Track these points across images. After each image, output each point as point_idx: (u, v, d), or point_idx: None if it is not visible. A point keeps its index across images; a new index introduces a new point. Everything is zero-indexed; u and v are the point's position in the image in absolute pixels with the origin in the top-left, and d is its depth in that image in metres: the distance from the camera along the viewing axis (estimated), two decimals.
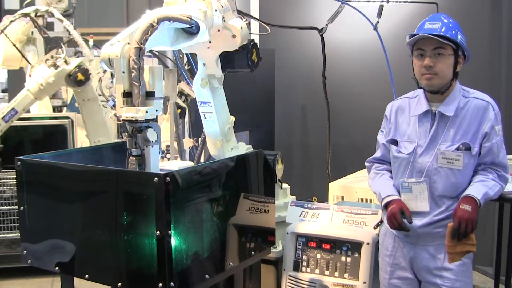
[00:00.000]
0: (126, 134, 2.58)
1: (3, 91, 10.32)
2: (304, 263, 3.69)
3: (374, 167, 3.38)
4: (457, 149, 3.00)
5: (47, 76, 4.91)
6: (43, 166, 2.79)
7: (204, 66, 3.29)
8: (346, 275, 3.56)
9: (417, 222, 3.06)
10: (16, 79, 5.89)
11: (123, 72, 2.51)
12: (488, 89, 5.15)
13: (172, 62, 6.40)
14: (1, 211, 5.49)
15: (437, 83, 3.03)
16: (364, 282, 3.50)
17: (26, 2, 5.86)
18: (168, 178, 2.33)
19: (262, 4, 7.11)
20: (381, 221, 3.48)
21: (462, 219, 2.85)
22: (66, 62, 4.99)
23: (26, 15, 5.26)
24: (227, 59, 3.34)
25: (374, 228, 3.59)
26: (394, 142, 3.21)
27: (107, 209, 2.55)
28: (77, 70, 4.99)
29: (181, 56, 5.49)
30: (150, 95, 2.58)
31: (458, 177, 3.02)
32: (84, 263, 2.66)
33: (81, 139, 5.85)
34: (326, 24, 5.24)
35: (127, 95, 2.52)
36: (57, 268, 2.72)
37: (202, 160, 4.86)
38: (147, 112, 2.51)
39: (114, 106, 2.64)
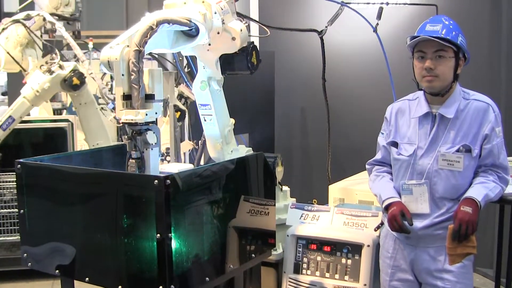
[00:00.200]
0: (126, 136, 2.58)
1: (3, 94, 10.32)
2: (305, 266, 3.69)
3: (375, 169, 3.38)
4: (458, 151, 3.00)
5: (42, 82, 4.91)
6: (43, 169, 2.79)
7: (204, 68, 3.29)
8: (346, 278, 3.55)
9: (418, 224, 3.06)
10: (16, 82, 5.88)
11: (123, 75, 2.51)
12: (488, 90, 5.15)
13: (171, 64, 6.40)
14: (1, 214, 5.48)
15: (438, 85, 3.02)
16: (365, 285, 3.50)
17: (20, 6, 5.86)
18: (168, 181, 2.33)
19: (261, 6, 7.11)
20: (382, 223, 3.48)
21: (462, 221, 2.85)
22: (60, 67, 4.99)
23: (16, 21, 5.26)
24: (226, 62, 3.34)
25: (375, 230, 3.58)
26: (395, 144, 3.20)
27: (107, 211, 2.55)
28: (72, 74, 5.00)
29: (180, 58, 5.49)
30: (149, 97, 2.58)
31: (459, 179, 3.02)
32: (84, 266, 2.65)
33: (81, 142, 5.85)
34: (326, 26, 5.24)
35: (127, 97, 2.52)
36: (57, 271, 2.72)
37: (202, 162, 4.87)
38: (146, 114, 2.51)
39: (114, 109, 2.64)
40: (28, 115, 5.63)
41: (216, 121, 3.35)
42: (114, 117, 2.58)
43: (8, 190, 5.49)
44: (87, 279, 2.61)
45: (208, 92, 3.28)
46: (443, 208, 3.05)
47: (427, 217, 3.06)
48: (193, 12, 2.89)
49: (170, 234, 2.35)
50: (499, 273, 4.40)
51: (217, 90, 3.31)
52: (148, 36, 2.53)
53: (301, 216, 3.87)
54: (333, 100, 5.61)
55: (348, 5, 5.32)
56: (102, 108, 6.60)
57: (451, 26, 3.01)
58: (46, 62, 5.10)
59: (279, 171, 4.16)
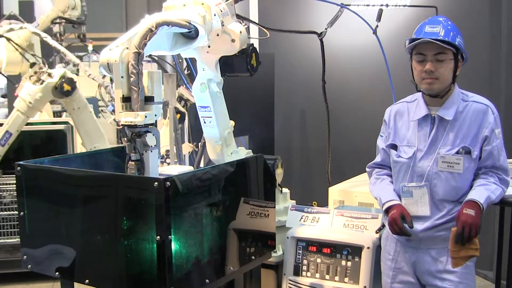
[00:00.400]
0: (125, 139, 2.58)
1: (3, 96, 10.34)
2: (305, 268, 3.68)
3: (375, 172, 3.37)
4: (457, 152, 3.00)
5: (33, 93, 4.92)
6: (43, 171, 2.79)
7: (204, 70, 3.29)
8: (346, 280, 3.55)
9: (419, 226, 3.05)
10: (17, 81, 5.89)
11: (122, 77, 2.51)
12: (488, 91, 5.17)
13: (171, 66, 6.40)
14: (1, 216, 5.48)
15: (438, 88, 3.02)
16: (365, 286, 3.49)
17: (7, 14, 5.87)
18: (168, 183, 2.33)
19: (261, 8, 7.11)
20: (383, 226, 3.48)
21: (465, 224, 2.84)
22: (49, 75, 4.98)
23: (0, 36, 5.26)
24: (226, 64, 3.35)
25: (376, 233, 3.58)
26: (394, 146, 3.20)
27: (107, 214, 2.55)
28: (62, 81, 5.00)
29: (180, 60, 5.49)
30: (149, 99, 2.59)
31: (459, 181, 3.01)
32: (84, 268, 2.65)
33: (80, 144, 5.85)
34: (326, 28, 5.23)
35: (126, 100, 2.52)
36: (57, 273, 2.72)
37: (202, 164, 4.86)
38: (146, 116, 2.51)
39: (114, 111, 2.64)
40: None
41: (216, 123, 3.35)
42: (114, 119, 2.58)
43: (8, 193, 5.49)
44: (87, 281, 2.61)
45: (207, 94, 3.28)
46: (443, 210, 3.04)
47: (428, 219, 3.06)
48: (192, 14, 2.89)
49: (170, 236, 2.35)
50: (499, 275, 4.40)
51: (216, 92, 3.31)
52: (148, 38, 2.53)
53: (301, 218, 3.86)
54: (333, 102, 5.61)
55: (347, 7, 5.32)
56: (101, 110, 6.61)
57: (449, 27, 3.00)
58: (35, 72, 5.10)
59: (279, 173, 4.16)
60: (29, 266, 2.83)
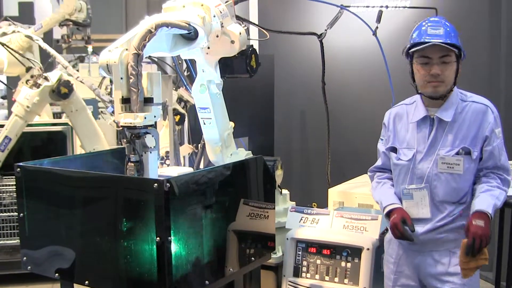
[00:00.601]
0: (125, 140, 2.58)
1: (3, 97, 10.35)
2: (304, 269, 3.68)
3: (376, 176, 3.35)
4: (457, 153, 2.99)
5: (31, 97, 4.91)
6: (43, 173, 2.79)
7: (203, 71, 3.29)
8: (346, 281, 3.55)
9: (420, 229, 3.03)
10: (14, 86, 5.89)
11: (121, 78, 2.51)
12: (487, 92, 5.17)
13: (171, 68, 6.41)
14: (1, 217, 5.48)
15: (442, 90, 3.00)
16: (364, 287, 3.49)
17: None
18: (168, 184, 2.33)
19: (261, 9, 7.12)
20: (386, 230, 3.44)
21: (476, 235, 2.80)
22: (46, 78, 4.99)
23: None
24: (226, 65, 3.35)
25: (380, 237, 3.56)
26: (394, 149, 3.18)
27: (106, 215, 2.55)
28: (59, 84, 5.00)
29: (180, 62, 5.49)
30: (148, 101, 2.59)
31: (459, 182, 3.00)
32: (84, 269, 2.65)
33: (79, 146, 5.85)
34: (325, 30, 5.24)
35: (126, 101, 2.52)
36: (57, 274, 2.72)
37: (201, 166, 4.86)
38: (145, 118, 2.51)
39: (113, 112, 2.64)
40: None
41: (216, 125, 3.35)
42: (114, 121, 2.58)
43: (7, 194, 5.49)
44: (87, 282, 2.61)
45: (207, 96, 3.28)
46: (444, 212, 3.03)
47: (429, 221, 3.04)
48: (192, 16, 2.89)
49: (169, 238, 2.35)
50: (499, 276, 4.40)
51: (216, 94, 3.31)
52: (147, 39, 2.53)
53: (301, 219, 3.86)
54: (333, 104, 5.61)
55: (347, 8, 5.32)
56: (101, 112, 6.61)
57: (448, 28, 2.99)
58: (32, 76, 5.11)
59: (279, 175, 4.16)
60: (29, 267, 2.82)
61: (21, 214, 2.80)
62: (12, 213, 5.41)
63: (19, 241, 2.92)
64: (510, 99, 5.47)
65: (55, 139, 5.78)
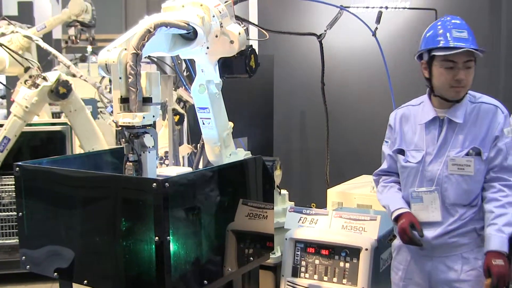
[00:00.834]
0: (123, 140, 2.58)
1: (2, 97, 10.36)
2: (303, 269, 3.68)
3: (382, 180, 3.30)
4: (467, 154, 2.94)
5: (29, 97, 4.92)
6: (42, 172, 2.79)
7: (202, 72, 3.29)
8: (344, 281, 3.55)
9: (431, 233, 2.98)
10: (13, 86, 5.90)
11: (120, 78, 2.51)
12: (487, 92, 5.16)
13: (170, 68, 6.41)
14: (0, 217, 5.48)
15: (463, 94, 2.96)
16: None
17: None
18: (166, 184, 2.33)
19: (261, 10, 7.13)
20: (394, 236, 3.35)
21: (500, 276, 2.77)
22: (44, 78, 4.99)
23: None
24: (225, 65, 3.34)
25: (388, 242, 3.53)
26: (401, 151, 3.13)
27: (105, 214, 2.55)
28: (57, 84, 5.00)
29: (179, 62, 5.49)
30: (147, 100, 2.59)
31: (470, 184, 2.95)
32: (83, 269, 2.65)
33: (78, 146, 5.85)
34: (325, 30, 5.24)
35: (124, 101, 2.53)
36: (55, 274, 2.72)
37: (200, 166, 4.86)
38: (144, 117, 2.51)
39: (112, 112, 2.65)
40: None
41: (215, 125, 3.35)
42: (113, 121, 2.59)
43: (6, 193, 5.49)
44: (85, 282, 2.61)
45: (206, 96, 3.28)
46: (455, 215, 2.98)
47: (440, 225, 2.99)
48: (191, 15, 2.89)
49: (168, 237, 2.35)
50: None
51: (215, 94, 3.31)
52: (146, 39, 2.53)
53: (300, 219, 3.86)
54: (332, 104, 5.62)
55: (347, 9, 5.33)
56: (100, 111, 6.61)
57: (469, 31, 2.94)
58: (30, 77, 5.11)
59: (278, 175, 4.16)
60: (28, 266, 2.82)
61: (20, 214, 2.80)
62: (11, 213, 5.42)
63: (18, 240, 2.92)
64: (510, 99, 5.48)
65: (54, 139, 5.79)
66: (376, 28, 5.30)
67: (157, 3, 3.15)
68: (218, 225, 2.73)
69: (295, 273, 3.70)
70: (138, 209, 2.44)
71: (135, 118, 2.50)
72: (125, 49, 2.54)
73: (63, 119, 6.04)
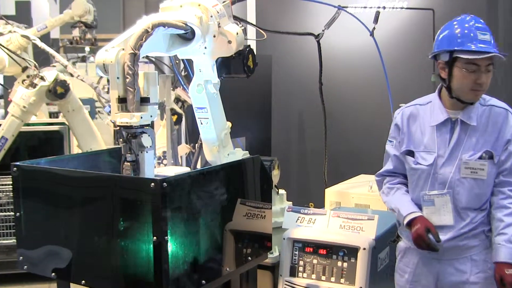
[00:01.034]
0: (121, 140, 2.58)
1: (0, 97, 10.35)
2: (301, 269, 3.68)
3: (387, 181, 3.24)
4: (480, 157, 2.90)
5: (27, 97, 4.91)
6: (39, 172, 2.78)
7: (200, 71, 3.29)
8: (342, 280, 3.55)
9: (442, 237, 2.93)
10: (11, 86, 5.90)
11: (118, 78, 2.51)
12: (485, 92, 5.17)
13: (168, 68, 6.41)
14: None
15: (480, 97, 2.94)
16: (361, 287, 3.50)
17: None
18: (165, 184, 2.33)
19: (259, 10, 7.13)
20: (398, 236, 3.33)
21: None
22: (42, 78, 4.98)
23: None
24: (223, 65, 3.35)
25: (389, 244, 3.52)
26: (410, 153, 3.07)
27: (103, 214, 2.55)
28: (55, 83, 5.00)
29: (177, 62, 5.49)
30: (144, 100, 2.59)
31: (482, 188, 2.92)
32: (80, 269, 2.65)
33: (76, 146, 5.85)
34: (323, 30, 5.25)
35: (122, 101, 2.53)
36: (53, 274, 2.71)
37: (198, 166, 4.86)
38: (141, 117, 2.51)
39: (110, 112, 2.65)
40: None
41: (213, 124, 3.35)
42: (111, 121, 2.59)
43: (4, 193, 5.49)
44: (83, 282, 2.60)
45: (204, 95, 3.28)
46: (467, 219, 2.95)
47: (451, 229, 2.96)
48: (189, 15, 2.89)
49: (166, 237, 2.34)
50: None
51: (213, 93, 3.31)
52: (144, 39, 2.53)
53: (298, 219, 3.86)
54: (330, 104, 5.62)
55: (345, 9, 5.33)
56: (98, 111, 6.62)
57: (489, 33, 2.91)
58: (28, 76, 5.10)
59: (275, 175, 4.16)
60: (25, 267, 2.82)
61: (18, 214, 2.79)
62: (8, 213, 5.41)
63: (15, 240, 2.92)
64: (509, 99, 5.48)
65: (52, 138, 5.79)
66: (374, 28, 5.31)
67: (156, 3, 3.15)
68: (216, 225, 2.73)
69: (293, 272, 3.70)
70: (136, 209, 2.43)
71: (132, 118, 2.50)
72: (123, 49, 2.54)
73: (61, 119, 6.03)
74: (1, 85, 5.54)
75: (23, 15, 8.61)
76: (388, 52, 5.49)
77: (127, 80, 2.48)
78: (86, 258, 2.63)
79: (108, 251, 2.53)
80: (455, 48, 2.87)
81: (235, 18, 3.32)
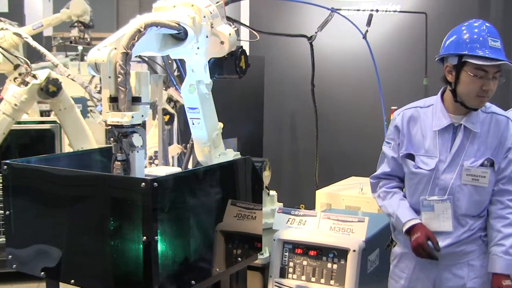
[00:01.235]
0: (112, 139, 2.58)
1: None
2: (291, 270, 3.69)
3: (383, 185, 3.21)
4: (482, 165, 2.89)
5: (19, 95, 4.89)
6: (30, 171, 2.77)
7: (193, 72, 3.29)
8: (332, 282, 3.55)
9: (440, 243, 2.92)
10: (2, 84, 5.87)
11: (110, 77, 2.51)
12: None
13: (161, 67, 6.41)
14: None
15: (485, 103, 2.92)
16: None
17: None
18: (155, 184, 2.32)
19: (252, 11, 7.14)
20: (392, 241, 3.33)
21: None
22: (34, 76, 4.97)
23: None
24: (215, 65, 3.35)
25: (385, 249, 3.53)
26: (410, 156, 3.04)
27: (93, 214, 2.54)
28: (47, 82, 4.98)
29: (170, 62, 5.49)
30: (136, 100, 2.58)
31: (482, 195, 2.92)
32: (70, 268, 2.64)
33: (67, 145, 5.83)
34: (316, 32, 5.26)
35: (113, 100, 2.52)
36: (42, 273, 2.70)
37: (190, 166, 4.86)
38: (132, 117, 2.51)
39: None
40: None
41: (204, 125, 3.35)
42: (102, 120, 2.58)
43: None
44: (72, 281, 2.59)
45: (196, 96, 3.28)
46: (465, 226, 2.94)
47: (449, 235, 2.95)
48: (182, 16, 2.90)
49: (156, 237, 2.34)
50: None
51: (205, 94, 3.31)
52: (136, 39, 2.53)
53: (288, 220, 3.86)
54: (322, 106, 5.64)
55: (338, 11, 5.35)
56: (90, 110, 6.60)
57: (499, 40, 2.86)
58: (20, 74, 5.09)
59: (266, 176, 4.16)
60: (14, 266, 2.81)
61: (7, 212, 2.78)
62: None
63: (4, 239, 2.91)
64: (507, 99, 5.51)
65: (43, 137, 5.76)
66: (367, 30, 5.33)
67: (150, 3, 3.15)
68: (206, 226, 2.73)
69: (283, 274, 3.70)
70: (126, 209, 2.43)
71: (123, 118, 2.49)
72: (115, 48, 2.54)
73: (52, 117, 6.01)
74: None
75: (16, 13, 8.58)
76: (380, 55, 5.51)
77: (119, 79, 2.48)
78: (76, 257, 2.62)
79: (97, 251, 2.52)
80: (466, 52, 2.83)
81: (228, 19, 3.32)
